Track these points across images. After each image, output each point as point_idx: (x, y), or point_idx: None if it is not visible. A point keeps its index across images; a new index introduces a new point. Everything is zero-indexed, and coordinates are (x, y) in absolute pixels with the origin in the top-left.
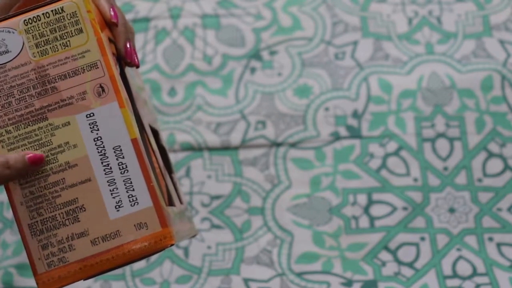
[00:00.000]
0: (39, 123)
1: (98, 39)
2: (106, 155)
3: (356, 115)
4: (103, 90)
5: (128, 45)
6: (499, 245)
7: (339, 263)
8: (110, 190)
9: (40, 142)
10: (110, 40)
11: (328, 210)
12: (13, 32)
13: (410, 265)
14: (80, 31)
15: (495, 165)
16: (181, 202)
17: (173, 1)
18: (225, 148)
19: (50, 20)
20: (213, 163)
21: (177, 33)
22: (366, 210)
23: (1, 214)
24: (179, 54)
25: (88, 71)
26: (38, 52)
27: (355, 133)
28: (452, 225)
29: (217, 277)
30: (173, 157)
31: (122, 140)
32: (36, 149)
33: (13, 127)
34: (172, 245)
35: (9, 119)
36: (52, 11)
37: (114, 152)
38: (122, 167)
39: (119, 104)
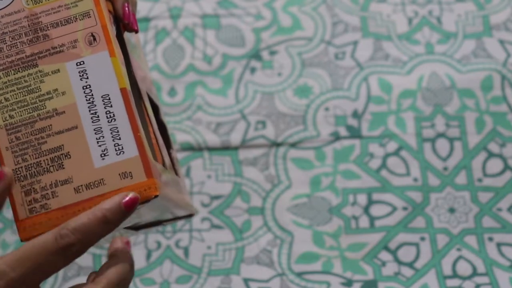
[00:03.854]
0: (29, 69)
1: None
2: (94, 103)
3: (356, 115)
4: (94, 39)
5: (126, 7)
6: (499, 245)
7: (339, 263)
8: (97, 138)
9: (29, 88)
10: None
11: (328, 210)
12: None
13: (410, 265)
14: None
15: (495, 165)
16: (177, 175)
17: (173, 1)
18: (225, 148)
19: None
20: (213, 163)
21: (177, 33)
22: (366, 210)
23: (1, 214)
24: (179, 54)
25: (80, 20)
26: (31, 0)
27: (355, 133)
28: (452, 225)
29: (217, 277)
30: None
31: (111, 88)
32: (25, 95)
33: (2, 73)
34: (156, 196)
35: None
36: None
37: (103, 100)
38: (110, 115)
39: (109, 53)
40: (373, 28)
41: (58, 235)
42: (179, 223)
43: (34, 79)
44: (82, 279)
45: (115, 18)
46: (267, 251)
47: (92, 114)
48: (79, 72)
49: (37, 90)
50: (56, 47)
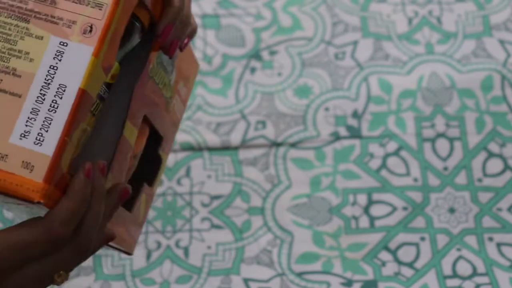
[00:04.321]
0: (20, 22)
1: None
2: (49, 86)
3: (356, 115)
4: (90, 31)
5: (167, 28)
6: (499, 245)
7: (339, 263)
8: (28, 118)
9: (8, 37)
10: (144, 7)
11: (328, 210)
12: None
13: (410, 265)
14: None
15: (495, 165)
16: (129, 210)
17: None
18: (225, 148)
19: None
20: (213, 163)
21: None
22: (366, 210)
23: (1, 214)
24: None
25: (91, 7)
26: None
27: (355, 133)
28: (452, 225)
29: (217, 277)
30: (173, 157)
31: (71, 83)
32: (0, 41)
33: None
34: (38, 202)
35: None
36: None
37: (58, 88)
38: (54, 105)
39: (93, 51)
40: (373, 28)
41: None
42: (179, 223)
43: (17, 32)
44: (82, 279)
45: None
46: (267, 251)
47: (40, 94)
48: (57, 51)
49: (13, 43)
50: (55, 17)
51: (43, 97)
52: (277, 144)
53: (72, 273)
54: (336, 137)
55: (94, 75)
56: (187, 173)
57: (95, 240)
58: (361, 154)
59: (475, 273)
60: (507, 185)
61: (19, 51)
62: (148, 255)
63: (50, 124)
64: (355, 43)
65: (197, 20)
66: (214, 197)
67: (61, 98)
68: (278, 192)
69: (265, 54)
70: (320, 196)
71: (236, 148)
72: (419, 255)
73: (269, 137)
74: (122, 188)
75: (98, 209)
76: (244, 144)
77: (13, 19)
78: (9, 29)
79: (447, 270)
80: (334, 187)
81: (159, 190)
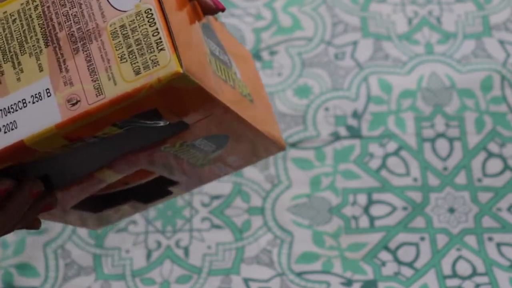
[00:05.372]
0: (42, 39)
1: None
2: (7, 115)
3: (356, 115)
4: (73, 104)
5: None
6: (499, 245)
7: (339, 263)
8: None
9: (22, 43)
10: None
11: (328, 210)
12: None
13: (410, 265)
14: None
15: (495, 165)
16: (96, 212)
17: None
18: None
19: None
20: None
21: None
22: (366, 210)
23: None
24: None
25: (94, 87)
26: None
27: (355, 133)
28: (452, 225)
29: (217, 277)
30: None
31: (22, 129)
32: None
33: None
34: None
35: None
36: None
37: (10, 123)
38: None
39: (58, 124)
40: (373, 28)
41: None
42: (179, 223)
43: (32, 46)
44: (82, 279)
45: None
46: (267, 251)
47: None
48: (38, 93)
49: (22, 52)
50: (65, 64)
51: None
52: None
53: (72, 273)
54: (336, 137)
55: (47, 139)
56: None
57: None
58: (361, 154)
59: (474, 273)
60: (507, 185)
61: (18, 63)
62: (148, 255)
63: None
64: (355, 43)
65: None
66: (214, 197)
67: (4, 132)
68: (278, 192)
69: (265, 54)
70: (320, 196)
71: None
72: (419, 255)
73: None
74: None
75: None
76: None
77: (40, 31)
78: (30, 38)
79: (447, 270)
80: (334, 187)
81: None
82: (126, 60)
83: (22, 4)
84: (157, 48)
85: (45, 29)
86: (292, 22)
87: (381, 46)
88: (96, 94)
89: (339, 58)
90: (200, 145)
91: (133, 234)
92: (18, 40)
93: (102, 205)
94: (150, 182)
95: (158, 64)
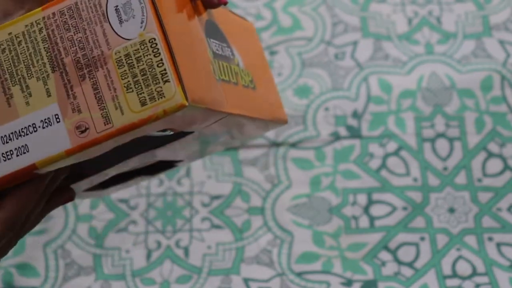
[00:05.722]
0: (49, 63)
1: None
2: (18, 138)
3: (356, 115)
4: (82, 131)
5: None
6: (499, 245)
7: (339, 263)
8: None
9: (29, 66)
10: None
11: (328, 210)
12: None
13: (410, 265)
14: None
15: (495, 165)
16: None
17: None
18: (225, 148)
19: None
20: (213, 163)
21: None
22: (366, 210)
23: None
24: None
25: (102, 115)
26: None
27: (355, 133)
28: (452, 225)
29: (217, 277)
30: None
31: (34, 153)
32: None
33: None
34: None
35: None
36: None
37: (20, 147)
38: (7, 155)
39: (67, 150)
40: (373, 28)
41: None
42: (179, 223)
43: (39, 70)
44: (82, 279)
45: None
46: (267, 251)
47: (5, 137)
48: (47, 118)
49: (28, 75)
50: (72, 91)
51: (6, 140)
52: (277, 144)
53: (72, 273)
54: (336, 137)
55: (56, 161)
56: (187, 173)
57: None
58: (361, 154)
59: (474, 273)
60: (507, 185)
61: (26, 86)
62: (148, 255)
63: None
64: (355, 43)
65: None
66: (214, 197)
67: (17, 156)
68: (278, 192)
69: (265, 54)
70: (320, 196)
71: (236, 148)
72: (419, 255)
73: (269, 137)
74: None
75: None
76: (244, 144)
77: (46, 55)
78: (36, 61)
79: (446, 270)
80: (334, 187)
81: (159, 190)
82: (132, 90)
83: (26, 26)
84: (162, 79)
85: (51, 53)
86: (292, 22)
87: (381, 46)
88: (104, 123)
89: (339, 58)
90: (207, 139)
91: (133, 234)
92: (25, 63)
93: (110, 183)
94: (156, 162)
95: (164, 96)
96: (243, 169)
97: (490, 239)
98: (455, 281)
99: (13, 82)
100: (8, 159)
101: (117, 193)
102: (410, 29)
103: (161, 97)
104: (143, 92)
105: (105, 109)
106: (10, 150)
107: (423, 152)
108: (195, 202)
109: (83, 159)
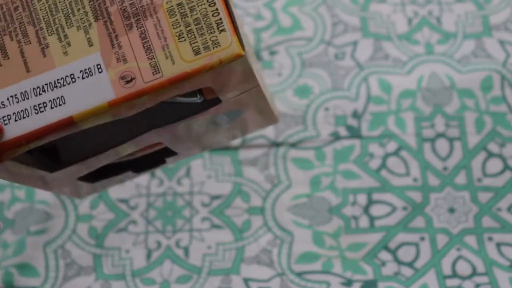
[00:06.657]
0: (91, 12)
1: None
2: (53, 89)
3: (356, 115)
4: (127, 81)
5: None
6: (498, 245)
7: (339, 263)
8: (14, 95)
9: (68, 15)
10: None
11: (328, 210)
12: None
13: (410, 265)
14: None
15: (494, 165)
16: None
17: None
18: (225, 148)
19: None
20: (213, 163)
21: None
22: (366, 210)
23: (1, 214)
24: None
25: (150, 65)
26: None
27: (355, 133)
28: (452, 225)
29: (217, 277)
30: None
31: (71, 105)
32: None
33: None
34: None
35: None
36: None
37: (57, 98)
38: (40, 107)
39: (111, 101)
40: (373, 28)
41: None
42: (179, 223)
43: (80, 19)
44: (82, 279)
45: None
46: (267, 251)
47: (38, 88)
48: (88, 68)
49: (68, 25)
50: (117, 40)
51: (39, 91)
52: (277, 144)
53: (72, 273)
54: (336, 137)
55: (96, 115)
56: (187, 173)
57: None
58: (361, 154)
59: (474, 273)
60: (507, 185)
61: (65, 36)
62: (148, 255)
63: (23, 118)
64: (355, 43)
65: None
66: (214, 197)
67: (51, 108)
68: (278, 192)
69: (265, 54)
70: (320, 196)
71: (236, 148)
72: (419, 255)
73: (269, 137)
74: None
75: None
76: (244, 144)
77: (89, 4)
78: (77, 10)
79: (446, 270)
80: (334, 187)
81: (159, 190)
82: (185, 39)
83: None
84: (217, 28)
85: (94, 2)
86: (292, 22)
87: (381, 46)
88: (153, 73)
89: (339, 58)
90: (218, 119)
91: (133, 234)
92: (64, 12)
93: (99, 176)
94: (150, 153)
95: (219, 45)
96: (243, 169)
97: (490, 239)
98: (455, 281)
99: (49, 32)
100: (41, 111)
101: (117, 193)
102: (410, 29)
103: (216, 46)
104: (197, 42)
105: (154, 58)
106: (44, 102)
107: (423, 152)
108: (195, 202)
109: (122, 117)
